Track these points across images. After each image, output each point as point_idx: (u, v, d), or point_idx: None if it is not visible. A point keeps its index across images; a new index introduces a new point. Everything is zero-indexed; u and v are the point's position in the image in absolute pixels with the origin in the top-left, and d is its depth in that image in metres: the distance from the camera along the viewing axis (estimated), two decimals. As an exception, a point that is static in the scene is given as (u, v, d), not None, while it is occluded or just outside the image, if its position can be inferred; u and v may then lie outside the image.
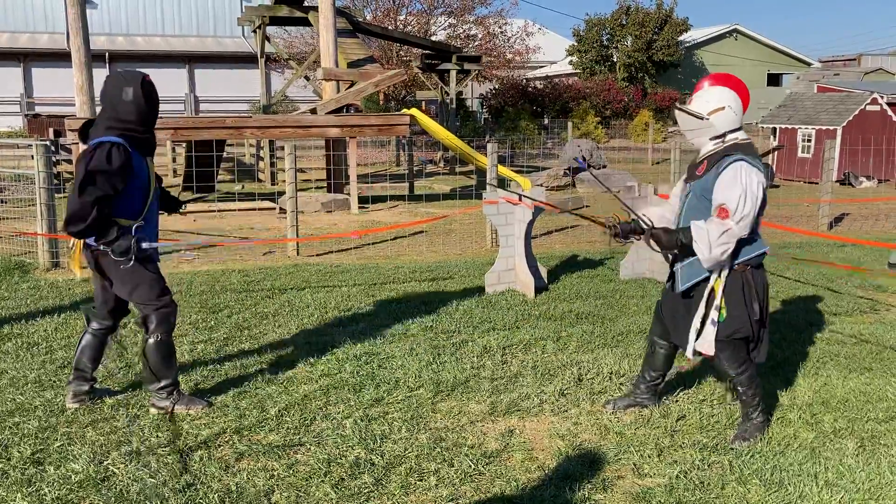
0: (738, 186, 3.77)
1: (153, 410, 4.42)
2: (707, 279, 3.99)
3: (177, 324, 5.77)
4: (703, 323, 4.02)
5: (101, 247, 4.19)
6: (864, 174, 18.25)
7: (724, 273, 3.96)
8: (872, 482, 3.64)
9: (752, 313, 3.95)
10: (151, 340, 4.34)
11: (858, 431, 4.22)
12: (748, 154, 3.87)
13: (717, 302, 3.95)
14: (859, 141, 17.76)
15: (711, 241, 3.81)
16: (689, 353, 4.08)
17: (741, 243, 3.90)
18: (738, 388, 4.12)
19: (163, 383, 4.40)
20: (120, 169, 4.04)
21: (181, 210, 4.88)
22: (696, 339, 4.03)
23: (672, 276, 4.18)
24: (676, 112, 4.09)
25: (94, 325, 4.55)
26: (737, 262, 3.94)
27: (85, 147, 4.18)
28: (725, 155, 3.88)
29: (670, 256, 4.21)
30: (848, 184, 18.01)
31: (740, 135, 3.98)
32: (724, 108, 3.93)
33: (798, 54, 41.11)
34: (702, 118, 3.94)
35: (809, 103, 19.98)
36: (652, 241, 4.00)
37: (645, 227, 4.08)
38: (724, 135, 3.95)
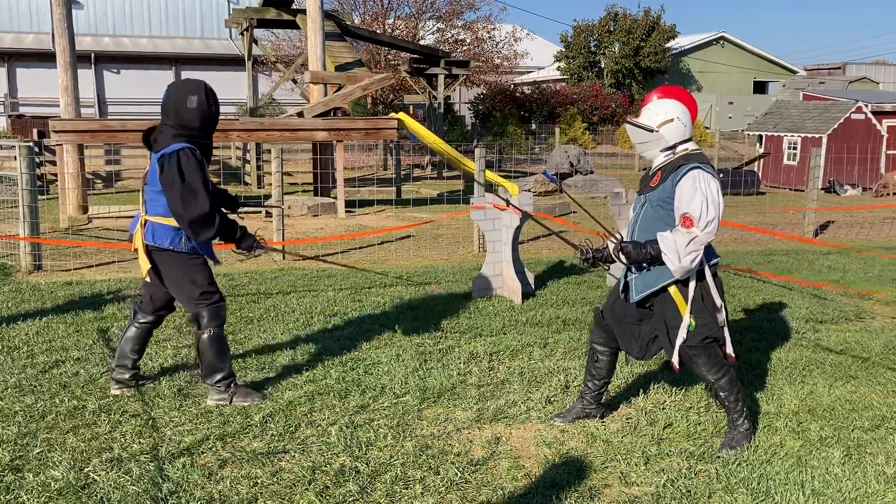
0: (699, 194, 3.84)
1: (210, 403, 4.54)
2: (662, 289, 4.01)
3: (161, 327, 5.72)
4: (670, 332, 4.05)
5: (156, 243, 4.41)
6: (848, 182, 18.39)
7: (692, 284, 3.98)
8: (859, 491, 3.64)
9: (718, 318, 4.02)
10: (205, 335, 4.49)
11: (844, 440, 4.22)
12: (702, 162, 3.93)
13: (686, 314, 3.97)
14: (844, 149, 17.89)
15: (680, 251, 3.86)
16: (674, 360, 4.07)
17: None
18: (720, 393, 4.10)
19: (219, 376, 4.54)
20: (201, 172, 4.28)
21: (239, 211, 5.05)
22: (673, 348, 4.03)
23: (626, 286, 4.18)
24: (627, 126, 4.14)
25: (140, 317, 4.72)
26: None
27: (157, 155, 4.30)
28: (680, 165, 3.93)
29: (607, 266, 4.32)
30: (833, 192, 18.14)
31: (690, 145, 4.04)
32: (672, 119, 3.98)
33: (784, 62, 41.46)
34: (652, 130, 3.99)
35: (795, 111, 20.13)
36: (621, 255, 4.01)
37: (615, 240, 4.11)
38: (674, 146, 4.02)
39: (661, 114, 4.00)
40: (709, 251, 4.06)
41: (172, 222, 4.34)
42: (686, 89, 4.19)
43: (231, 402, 4.55)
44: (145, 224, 4.42)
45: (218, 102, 4.42)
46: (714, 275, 4.09)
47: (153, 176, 4.34)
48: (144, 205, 4.45)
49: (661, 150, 4.03)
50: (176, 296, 4.58)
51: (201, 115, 4.25)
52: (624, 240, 4.09)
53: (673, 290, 4.00)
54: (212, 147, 4.49)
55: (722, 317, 4.05)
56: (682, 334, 4.00)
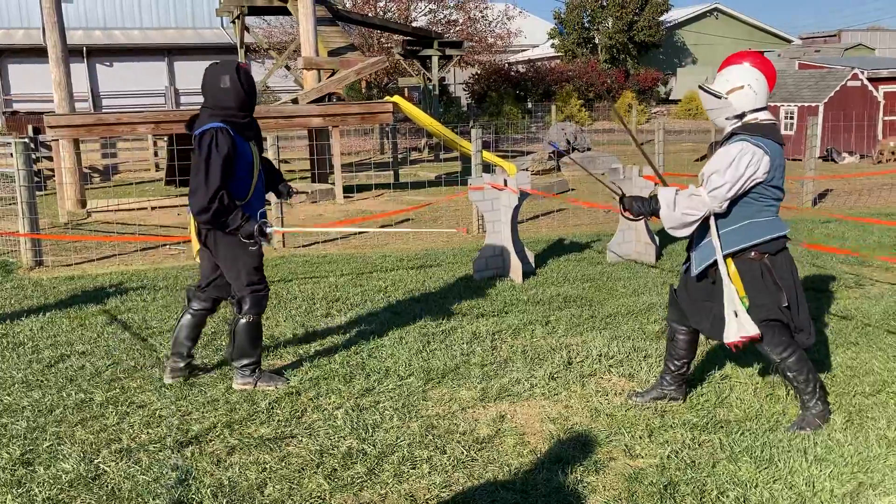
0: (725, 160, 3.73)
1: (235, 386, 4.65)
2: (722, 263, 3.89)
3: (166, 318, 5.75)
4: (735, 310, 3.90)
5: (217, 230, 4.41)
6: (846, 150, 18.35)
7: (728, 256, 3.86)
8: (861, 455, 3.68)
9: (778, 300, 3.84)
10: (243, 321, 4.57)
11: (846, 406, 4.25)
12: (758, 134, 3.77)
13: (736, 292, 3.84)
14: (841, 117, 17.84)
15: (676, 204, 3.82)
16: (727, 339, 3.91)
17: (751, 226, 3.83)
18: (788, 373, 3.95)
19: (246, 361, 4.63)
20: (228, 152, 4.26)
21: (288, 199, 5.17)
22: (735, 325, 3.86)
23: (688, 260, 4.11)
24: (699, 90, 4.02)
25: (195, 305, 4.78)
26: (746, 247, 3.84)
27: (195, 133, 4.37)
28: (734, 134, 3.83)
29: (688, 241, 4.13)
30: (830, 160, 18.10)
31: (762, 115, 3.85)
32: (742, 86, 3.82)
33: (779, 32, 41.19)
34: (720, 97, 3.86)
35: (791, 80, 20.05)
36: (626, 211, 4.03)
37: (617, 195, 4.10)
38: (742, 114, 3.85)
39: (732, 80, 3.85)
40: (767, 226, 3.86)
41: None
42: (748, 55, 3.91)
43: (255, 386, 4.63)
44: None
45: (251, 80, 4.44)
46: (778, 251, 3.88)
47: None
48: None
49: (727, 118, 3.88)
50: (227, 276, 4.64)
51: (235, 93, 4.32)
52: (626, 195, 4.08)
53: (731, 266, 3.87)
54: (254, 125, 4.53)
55: (783, 299, 3.85)
56: (742, 312, 3.84)
